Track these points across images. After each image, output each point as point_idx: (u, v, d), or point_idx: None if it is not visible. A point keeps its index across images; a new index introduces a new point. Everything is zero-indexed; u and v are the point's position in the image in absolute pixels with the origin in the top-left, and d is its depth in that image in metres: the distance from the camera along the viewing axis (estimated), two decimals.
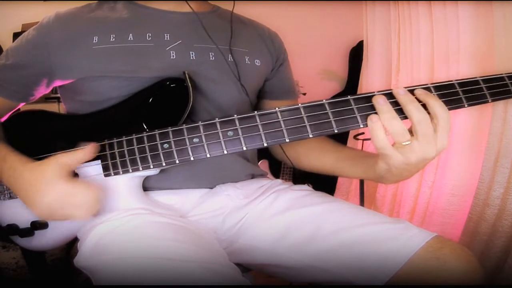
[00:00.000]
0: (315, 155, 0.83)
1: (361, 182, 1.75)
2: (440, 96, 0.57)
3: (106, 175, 0.66)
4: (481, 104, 0.59)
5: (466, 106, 0.58)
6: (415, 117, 0.53)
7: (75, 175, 0.67)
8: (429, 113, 0.54)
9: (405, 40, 1.62)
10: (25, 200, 0.63)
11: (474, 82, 0.60)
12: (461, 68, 1.33)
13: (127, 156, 0.64)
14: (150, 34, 0.73)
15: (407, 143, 0.54)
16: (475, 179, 1.34)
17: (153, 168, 0.63)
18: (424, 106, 0.55)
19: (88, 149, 0.63)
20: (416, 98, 0.55)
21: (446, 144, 0.55)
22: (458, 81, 0.59)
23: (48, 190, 0.59)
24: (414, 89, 0.57)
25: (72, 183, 0.60)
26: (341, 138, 0.74)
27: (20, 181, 0.63)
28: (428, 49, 1.50)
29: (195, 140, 0.61)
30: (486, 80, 0.60)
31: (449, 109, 0.57)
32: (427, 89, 0.57)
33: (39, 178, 0.60)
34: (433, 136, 0.54)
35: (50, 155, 0.68)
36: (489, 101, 0.60)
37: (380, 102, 0.55)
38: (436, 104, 0.54)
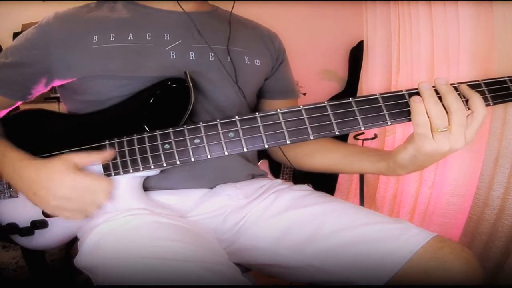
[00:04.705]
0: (322, 154, 0.83)
1: (361, 182, 1.75)
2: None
3: (106, 175, 0.66)
4: None
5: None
6: (454, 106, 0.56)
7: None
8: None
9: (405, 40, 1.62)
10: (30, 197, 0.64)
11: (476, 85, 0.60)
12: (461, 68, 1.33)
13: (127, 156, 0.64)
14: (150, 34, 0.73)
15: (443, 129, 0.56)
16: (475, 179, 1.34)
17: (154, 168, 0.64)
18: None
19: (106, 153, 0.64)
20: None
21: (473, 138, 0.58)
22: (460, 84, 0.59)
23: (57, 186, 0.60)
24: (457, 86, 0.59)
25: (82, 174, 0.61)
26: (341, 138, 0.75)
27: (21, 178, 0.64)
28: (428, 49, 1.50)
29: (196, 141, 0.61)
30: (488, 83, 0.60)
31: None
32: None
33: (44, 174, 0.61)
34: (465, 128, 0.57)
35: (50, 155, 0.69)
36: (491, 104, 0.60)
37: (426, 87, 0.57)
38: (478, 99, 0.57)
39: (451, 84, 0.59)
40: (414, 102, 0.56)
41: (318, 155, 0.84)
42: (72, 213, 0.63)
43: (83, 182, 0.61)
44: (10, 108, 0.78)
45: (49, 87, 0.77)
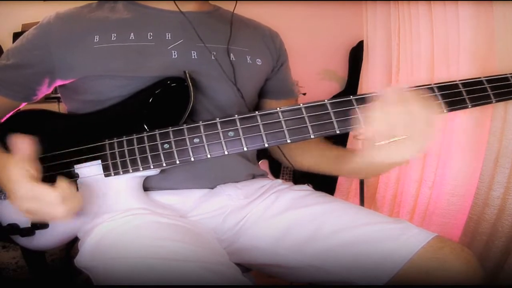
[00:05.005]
0: (302, 155, 0.85)
1: (361, 182, 1.75)
2: (444, 97, 0.57)
3: (106, 175, 0.66)
4: (485, 105, 0.58)
5: (470, 106, 0.57)
6: (412, 115, 0.54)
7: (74, 175, 0.67)
8: None
9: (405, 40, 1.62)
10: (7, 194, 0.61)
11: (478, 82, 0.59)
12: (461, 67, 1.33)
13: (127, 156, 0.64)
14: (151, 34, 0.73)
15: (398, 139, 0.54)
16: (475, 179, 1.34)
17: (154, 168, 0.63)
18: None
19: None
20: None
21: (425, 150, 0.57)
22: (462, 81, 0.59)
23: (16, 188, 0.57)
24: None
25: (36, 185, 0.56)
26: (341, 138, 0.75)
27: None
28: (428, 49, 1.50)
29: (196, 140, 0.61)
30: (490, 80, 0.59)
31: (452, 110, 0.57)
32: (430, 89, 0.57)
33: (5, 175, 0.58)
34: (422, 138, 0.55)
35: (51, 155, 0.69)
36: (493, 101, 0.59)
37: (388, 93, 0.56)
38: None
39: (423, 85, 0.57)
40: (374, 109, 0.55)
41: (304, 154, 0.85)
42: (36, 216, 0.58)
43: (34, 192, 0.55)
44: (14, 111, 0.78)
45: (52, 88, 0.77)
